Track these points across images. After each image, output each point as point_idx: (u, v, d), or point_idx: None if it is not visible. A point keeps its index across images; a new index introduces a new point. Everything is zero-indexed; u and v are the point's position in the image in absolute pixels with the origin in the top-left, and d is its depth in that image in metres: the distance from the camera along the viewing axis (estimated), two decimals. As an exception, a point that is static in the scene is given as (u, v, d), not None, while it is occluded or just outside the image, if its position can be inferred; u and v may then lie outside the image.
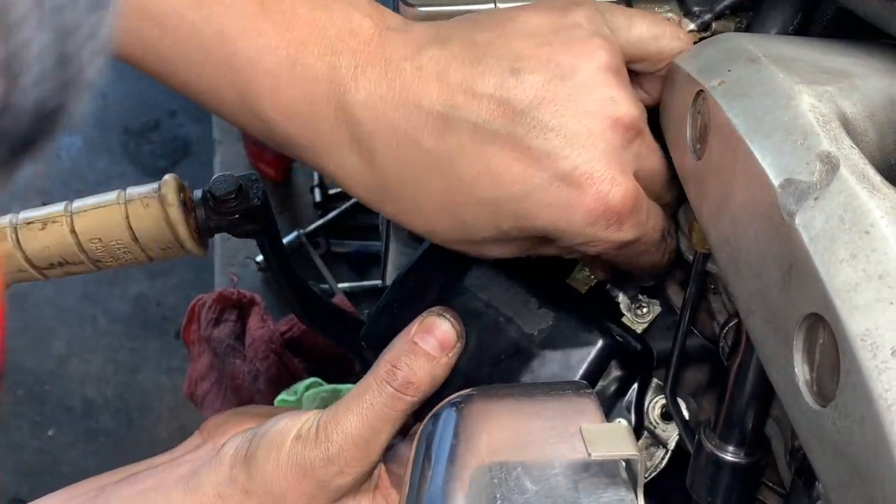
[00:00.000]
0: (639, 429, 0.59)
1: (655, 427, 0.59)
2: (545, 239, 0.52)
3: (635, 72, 0.56)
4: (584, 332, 0.56)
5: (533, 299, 0.58)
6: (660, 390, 0.59)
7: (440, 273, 0.60)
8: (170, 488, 0.56)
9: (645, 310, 0.61)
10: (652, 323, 0.61)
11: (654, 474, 0.59)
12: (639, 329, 0.61)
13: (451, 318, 0.56)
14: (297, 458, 0.53)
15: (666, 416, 0.59)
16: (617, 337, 0.57)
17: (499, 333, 0.57)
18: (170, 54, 0.49)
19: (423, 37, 0.50)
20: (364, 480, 0.55)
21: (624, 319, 0.61)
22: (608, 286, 0.62)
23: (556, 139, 0.48)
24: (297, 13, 0.48)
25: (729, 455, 0.54)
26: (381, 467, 0.57)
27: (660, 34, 0.54)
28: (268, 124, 0.50)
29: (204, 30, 0.48)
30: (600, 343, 0.56)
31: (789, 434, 0.56)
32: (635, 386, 0.58)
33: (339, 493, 0.54)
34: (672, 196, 0.56)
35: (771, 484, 0.58)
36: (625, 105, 0.49)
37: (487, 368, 0.57)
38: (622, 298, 0.61)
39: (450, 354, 0.55)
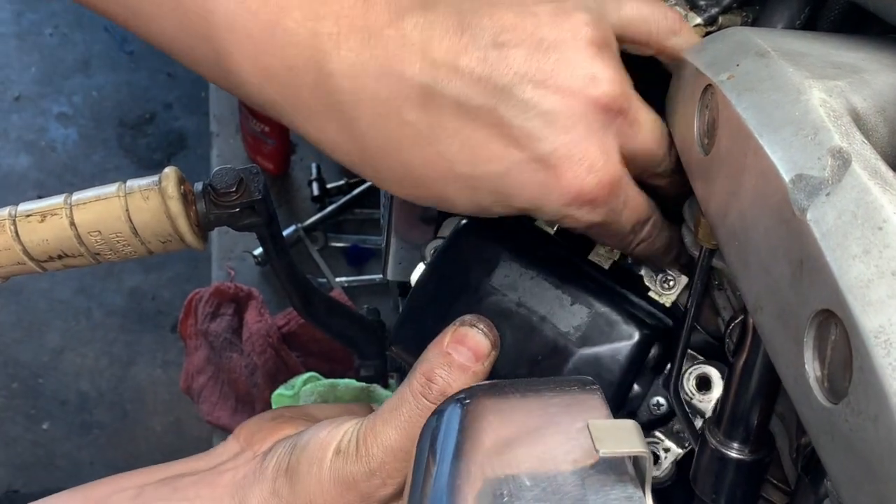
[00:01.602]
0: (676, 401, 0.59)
1: (692, 398, 0.59)
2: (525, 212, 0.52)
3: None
4: (620, 325, 0.57)
5: (565, 296, 0.57)
6: (693, 359, 0.60)
7: (465, 273, 0.59)
8: (215, 500, 0.56)
9: (672, 282, 0.61)
10: (679, 294, 0.61)
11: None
12: (667, 302, 0.61)
13: (485, 328, 0.56)
14: (339, 472, 0.53)
15: (701, 384, 0.59)
16: (650, 322, 0.58)
17: (533, 333, 0.57)
18: (146, 15, 0.48)
19: (408, 1, 0.48)
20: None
21: (651, 293, 0.61)
22: (629, 261, 0.62)
23: (536, 119, 0.48)
24: None
25: (733, 452, 0.54)
26: None
27: (648, 16, 0.53)
28: (246, 88, 0.49)
29: None
30: (637, 336, 0.56)
31: (794, 431, 0.56)
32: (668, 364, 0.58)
33: (383, 503, 0.54)
34: (661, 170, 0.55)
35: (775, 481, 0.58)
36: (606, 84, 0.49)
37: (525, 369, 0.57)
38: (645, 272, 0.61)
39: (485, 364, 0.55)
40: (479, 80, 0.47)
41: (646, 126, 0.52)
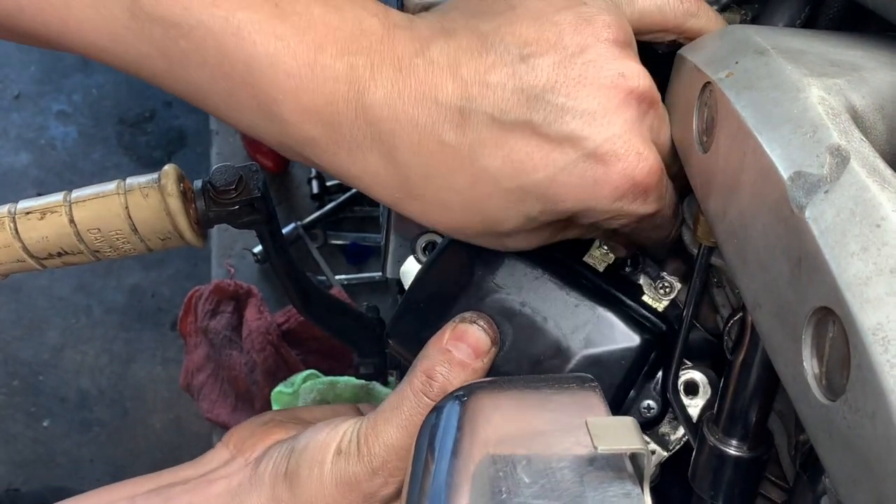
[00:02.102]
0: (665, 405, 0.59)
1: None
2: (569, 222, 0.53)
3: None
4: (623, 328, 0.57)
5: (569, 297, 0.58)
6: (681, 364, 0.60)
7: (468, 269, 0.59)
8: None
9: (667, 288, 0.62)
10: (672, 300, 0.62)
11: (677, 447, 0.60)
12: (660, 307, 0.62)
13: (484, 324, 0.56)
14: (341, 473, 0.53)
15: (689, 389, 0.60)
16: (648, 326, 0.58)
17: (537, 333, 0.57)
18: (182, 58, 0.48)
19: (429, 31, 0.50)
20: None
21: (645, 298, 0.62)
22: (628, 269, 0.62)
23: (574, 121, 0.48)
24: (312, 15, 0.48)
25: (732, 449, 0.54)
26: None
27: (663, 4, 0.54)
28: (287, 127, 0.49)
29: (221, 32, 0.47)
30: (639, 340, 0.57)
31: (792, 428, 0.56)
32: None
33: (385, 502, 0.54)
34: (677, 167, 0.55)
35: (773, 478, 0.58)
36: (636, 78, 0.50)
37: (527, 369, 0.57)
38: (644, 280, 0.62)
39: (485, 360, 0.55)
40: (512, 94, 0.48)
41: (665, 119, 0.53)
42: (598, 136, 0.48)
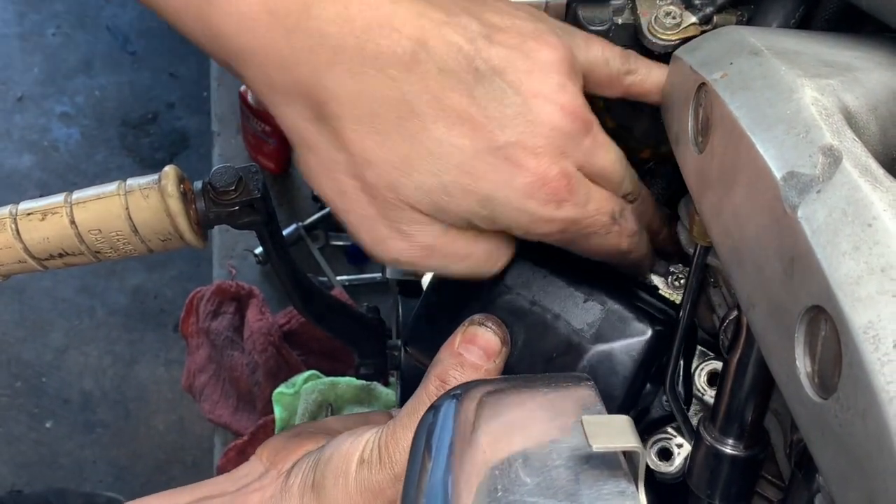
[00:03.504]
0: (689, 398, 0.60)
1: (703, 394, 0.60)
2: (488, 221, 0.53)
3: None
4: (633, 322, 0.57)
5: (578, 294, 0.58)
6: (703, 356, 0.61)
7: None
8: None
9: (681, 280, 0.63)
10: None
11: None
12: (677, 299, 0.62)
13: (493, 326, 0.56)
14: (364, 482, 0.54)
15: (713, 380, 0.60)
16: (662, 318, 0.58)
17: (547, 331, 0.58)
18: None
19: None
20: None
21: (661, 292, 0.62)
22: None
23: (509, 109, 0.50)
24: None
25: (728, 448, 0.54)
26: None
27: (611, 58, 0.56)
28: (218, 34, 0.49)
29: None
30: (650, 333, 0.57)
31: (788, 427, 0.56)
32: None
33: None
34: (629, 189, 0.57)
35: (770, 477, 0.58)
36: (573, 95, 0.51)
37: (541, 367, 0.57)
38: (656, 279, 0.62)
39: (496, 361, 0.56)
40: (465, 58, 0.49)
41: (604, 147, 0.54)
42: (524, 131, 0.50)
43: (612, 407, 0.56)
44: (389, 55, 0.48)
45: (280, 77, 0.50)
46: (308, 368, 1.45)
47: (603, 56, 0.56)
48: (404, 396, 0.90)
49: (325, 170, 0.53)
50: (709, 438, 0.54)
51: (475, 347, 0.55)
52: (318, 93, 0.49)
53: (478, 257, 0.56)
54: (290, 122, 0.52)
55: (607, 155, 0.54)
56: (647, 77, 0.57)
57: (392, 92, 0.49)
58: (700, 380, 0.60)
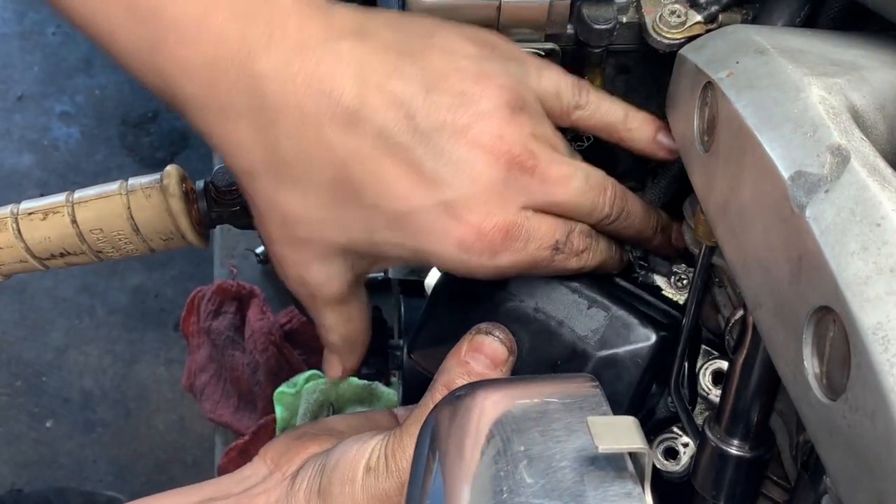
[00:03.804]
0: (693, 397, 0.60)
1: (708, 393, 0.60)
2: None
3: None
4: (637, 328, 0.57)
5: (581, 300, 0.58)
6: (707, 355, 0.61)
7: (481, 281, 0.60)
8: None
9: (684, 280, 0.63)
10: None
11: None
12: (681, 300, 0.62)
13: (500, 335, 0.57)
14: (371, 489, 0.54)
15: (717, 379, 0.60)
16: (667, 322, 0.58)
17: (552, 338, 0.58)
18: None
19: (346, 23, 0.50)
20: None
21: (665, 293, 0.62)
22: (641, 272, 0.63)
23: (446, 167, 0.50)
24: None
25: (734, 449, 0.54)
26: None
27: (563, 89, 0.56)
28: (164, 78, 0.49)
29: None
30: (654, 338, 0.57)
31: (794, 428, 0.56)
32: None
33: None
34: (606, 214, 0.57)
35: (775, 478, 0.58)
36: (510, 144, 0.51)
37: (546, 374, 0.57)
38: (659, 280, 0.62)
39: (503, 370, 0.56)
40: (404, 117, 0.49)
41: (559, 182, 0.54)
42: (459, 188, 0.50)
43: (618, 412, 0.55)
44: (329, 116, 0.49)
45: (221, 130, 0.50)
46: (309, 368, 1.44)
47: (555, 88, 0.56)
48: (406, 396, 0.89)
49: (261, 220, 0.54)
50: (714, 439, 0.54)
51: (482, 356, 0.56)
52: (254, 151, 0.50)
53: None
54: (232, 170, 0.53)
55: (564, 189, 0.54)
56: (594, 113, 0.57)
57: (329, 154, 0.50)
58: (705, 379, 0.60)
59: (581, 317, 0.58)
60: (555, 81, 0.56)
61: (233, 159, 0.52)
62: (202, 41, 0.47)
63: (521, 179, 0.52)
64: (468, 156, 0.51)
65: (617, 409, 0.55)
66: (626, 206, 0.58)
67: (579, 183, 0.55)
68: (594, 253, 0.58)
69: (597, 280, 0.59)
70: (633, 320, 0.57)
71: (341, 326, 0.61)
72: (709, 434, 0.54)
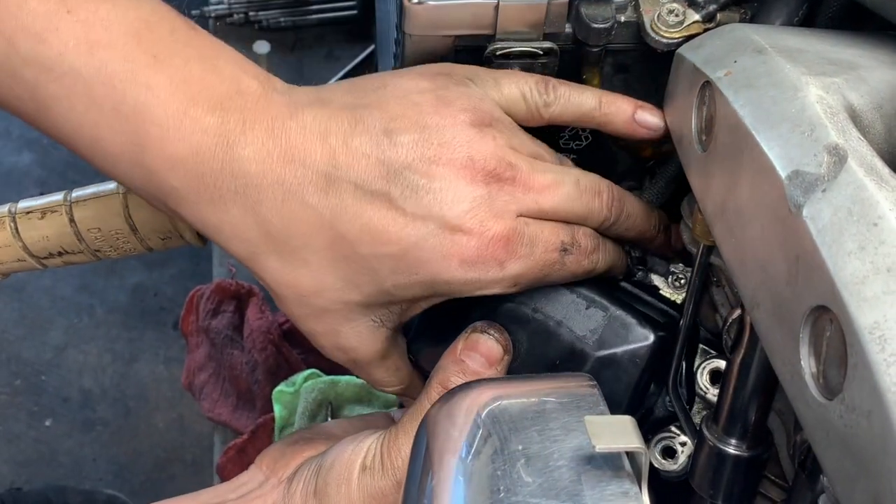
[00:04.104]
0: (691, 397, 0.60)
1: (706, 392, 0.60)
2: (430, 297, 0.55)
3: None
4: (635, 328, 0.57)
5: (580, 300, 0.58)
6: (705, 354, 0.61)
7: None
8: None
9: (682, 280, 0.63)
10: None
11: None
12: (679, 299, 0.62)
13: (495, 333, 0.57)
14: (367, 489, 0.54)
15: (715, 378, 0.60)
16: (664, 321, 0.59)
17: (550, 338, 0.58)
18: (53, 101, 0.50)
19: (305, 99, 0.53)
20: None
21: (662, 292, 0.63)
22: (639, 271, 0.63)
23: (427, 198, 0.51)
24: (190, 70, 0.50)
25: (731, 448, 0.54)
26: None
27: (527, 91, 0.57)
28: (151, 175, 0.51)
29: (91, 79, 0.49)
30: (653, 338, 0.57)
31: (792, 427, 0.56)
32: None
33: None
34: (605, 217, 0.57)
35: (773, 477, 0.58)
36: (484, 160, 0.52)
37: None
38: (657, 279, 0.62)
39: (498, 368, 0.56)
40: (375, 165, 0.51)
41: (546, 189, 0.54)
42: (447, 213, 0.51)
43: (617, 412, 0.56)
44: (308, 183, 0.51)
45: (214, 218, 0.52)
46: (308, 367, 1.44)
47: (519, 92, 0.57)
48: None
49: (279, 302, 0.56)
50: (712, 438, 0.54)
51: (477, 354, 0.56)
52: (248, 232, 0.52)
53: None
54: (237, 257, 0.54)
55: (551, 196, 0.54)
56: (566, 106, 0.57)
57: (316, 218, 0.51)
58: (702, 378, 0.60)
59: (579, 317, 0.58)
60: (516, 86, 0.57)
61: (232, 245, 0.53)
62: (186, 133, 0.50)
63: (504, 190, 0.53)
64: (445, 182, 0.52)
65: (615, 409, 0.55)
66: (624, 207, 0.58)
67: (568, 189, 0.55)
68: (603, 253, 0.58)
69: (595, 280, 0.59)
70: (632, 320, 0.57)
71: (391, 377, 0.61)
72: (706, 433, 0.54)
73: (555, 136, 0.66)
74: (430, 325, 0.62)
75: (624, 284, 0.61)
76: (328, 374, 1.41)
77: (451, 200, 0.52)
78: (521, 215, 0.53)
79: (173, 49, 0.50)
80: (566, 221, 0.56)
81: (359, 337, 0.57)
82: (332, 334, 0.57)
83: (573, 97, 0.57)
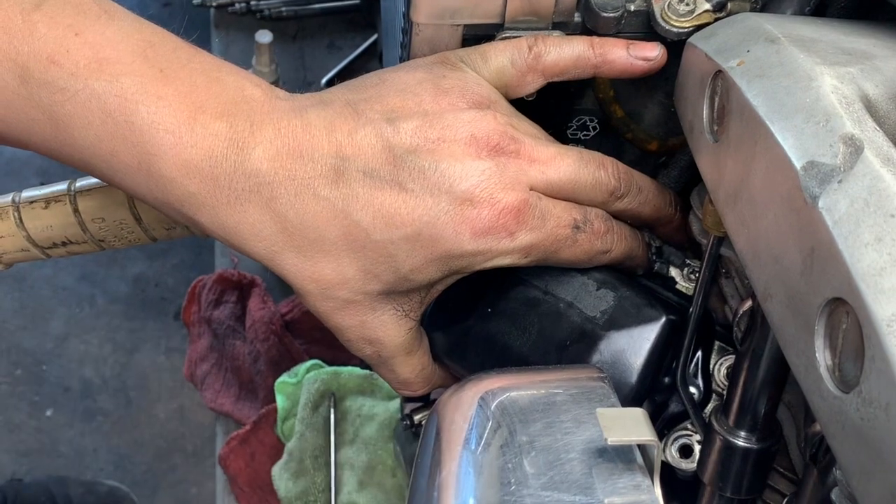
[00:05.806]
0: (708, 394, 0.59)
1: (724, 388, 0.60)
2: (446, 278, 0.56)
3: None
4: (645, 308, 0.57)
5: (590, 282, 0.58)
6: (723, 352, 0.60)
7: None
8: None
9: (696, 271, 0.62)
10: None
11: None
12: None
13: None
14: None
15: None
16: (677, 307, 0.58)
17: (561, 319, 0.58)
18: (70, 119, 0.51)
19: (308, 101, 0.55)
20: None
21: (678, 286, 0.62)
22: (656, 262, 0.63)
23: (434, 177, 0.53)
24: (195, 82, 0.52)
25: (741, 440, 0.53)
26: None
27: (514, 55, 0.58)
28: (168, 184, 0.52)
29: (104, 94, 0.50)
30: (663, 319, 0.57)
31: (802, 420, 0.55)
32: (699, 353, 0.59)
33: None
34: (615, 188, 0.57)
35: (782, 469, 0.58)
36: (487, 136, 0.54)
37: (554, 356, 0.58)
38: (673, 271, 0.62)
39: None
40: (381, 152, 0.53)
41: (551, 161, 0.55)
42: (457, 188, 0.53)
43: (626, 393, 0.56)
44: (318, 176, 0.52)
45: (231, 220, 0.53)
46: (310, 357, 1.44)
47: (507, 58, 0.57)
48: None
49: (306, 300, 0.57)
50: (721, 431, 0.54)
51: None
52: (266, 230, 0.53)
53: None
54: (258, 257, 0.55)
55: (557, 167, 0.55)
56: (558, 57, 0.58)
57: (329, 210, 0.53)
58: (719, 375, 0.60)
59: (590, 298, 0.58)
60: (501, 53, 0.58)
61: (251, 246, 0.54)
62: (198, 139, 0.51)
63: (511, 163, 0.54)
64: (452, 161, 0.53)
65: (625, 389, 0.55)
66: (633, 179, 0.58)
67: (573, 160, 0.56)
68: (619, 237, 0.58)
69: (611, 269, 0.59)
70: (642, 301, 0.57)
71: (417, 376, 0.62)
72: (716, 425, 0.54)
73: (562, 127, 0.65)
74: (441, 310, 0.62)
75: (640, 279, 0.61)
76: (331, 364, 1.41)
77: (460, 175, 0.53)
78: (532, 189, 0.54)
79: (178, 64, 0.52)
80: (577, 202, 0.56)
81: (384, 327, 0.58)
82: (359, 326, 0.57)
83: (564, 46, 0.58)
